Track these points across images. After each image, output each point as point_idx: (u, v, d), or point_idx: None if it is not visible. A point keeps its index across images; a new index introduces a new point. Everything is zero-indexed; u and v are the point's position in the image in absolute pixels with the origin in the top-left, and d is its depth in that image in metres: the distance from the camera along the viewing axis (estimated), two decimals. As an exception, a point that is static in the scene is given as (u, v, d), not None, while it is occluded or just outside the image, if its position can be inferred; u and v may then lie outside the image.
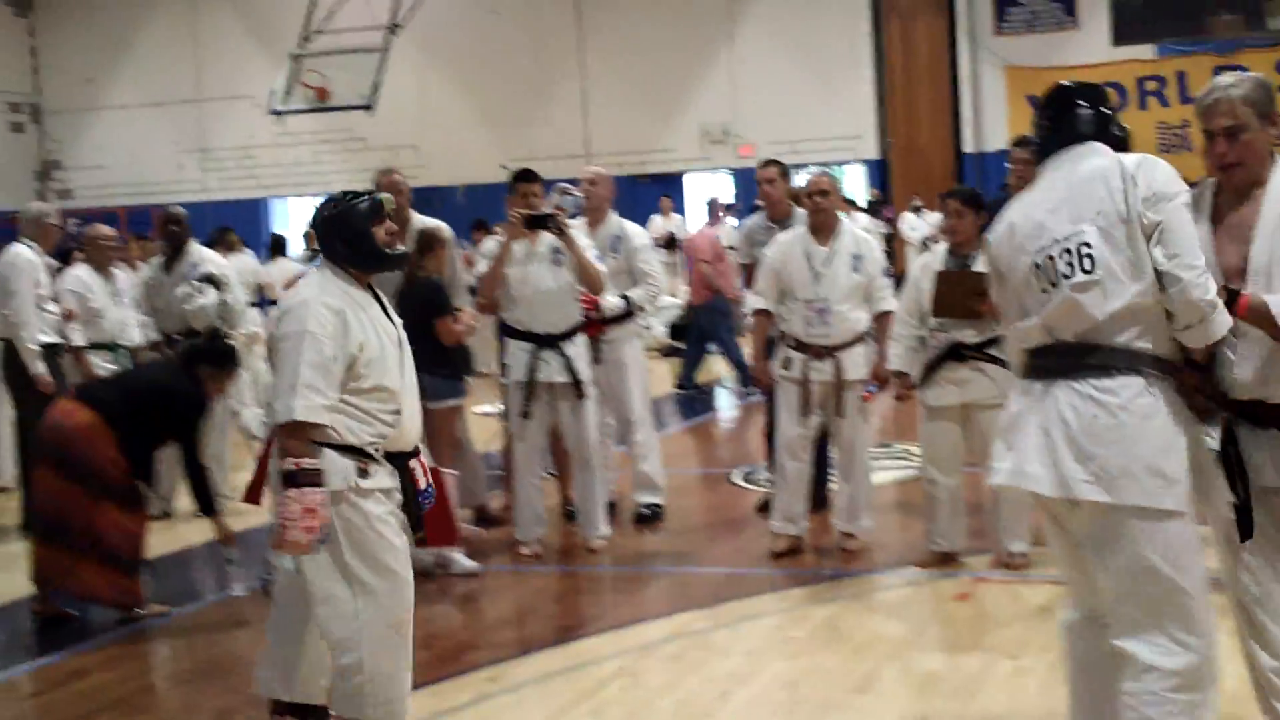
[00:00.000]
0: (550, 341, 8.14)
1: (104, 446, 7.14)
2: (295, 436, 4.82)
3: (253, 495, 5.62)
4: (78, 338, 9.72)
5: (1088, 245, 4.03)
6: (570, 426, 8.32)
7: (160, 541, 8.52)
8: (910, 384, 7.58)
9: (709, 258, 15.24)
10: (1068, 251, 4.06)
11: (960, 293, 7.30)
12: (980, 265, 7.40)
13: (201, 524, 9.55)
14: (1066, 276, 4.05)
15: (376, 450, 4.98)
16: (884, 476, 10.18)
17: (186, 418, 7.31)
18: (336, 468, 4.89)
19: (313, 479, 4.78)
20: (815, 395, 7.83)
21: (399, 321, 5.22)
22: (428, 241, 8.21)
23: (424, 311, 7.71)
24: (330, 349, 4.86)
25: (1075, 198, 4.11)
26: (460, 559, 7.91)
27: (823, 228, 7.83)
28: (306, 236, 15.86)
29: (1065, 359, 4.10)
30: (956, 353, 7.41)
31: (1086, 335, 4.06)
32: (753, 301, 8.19)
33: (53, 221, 9.91)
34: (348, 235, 5.09)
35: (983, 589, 7.21)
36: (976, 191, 7.97)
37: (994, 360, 7.29)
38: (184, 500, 10.04)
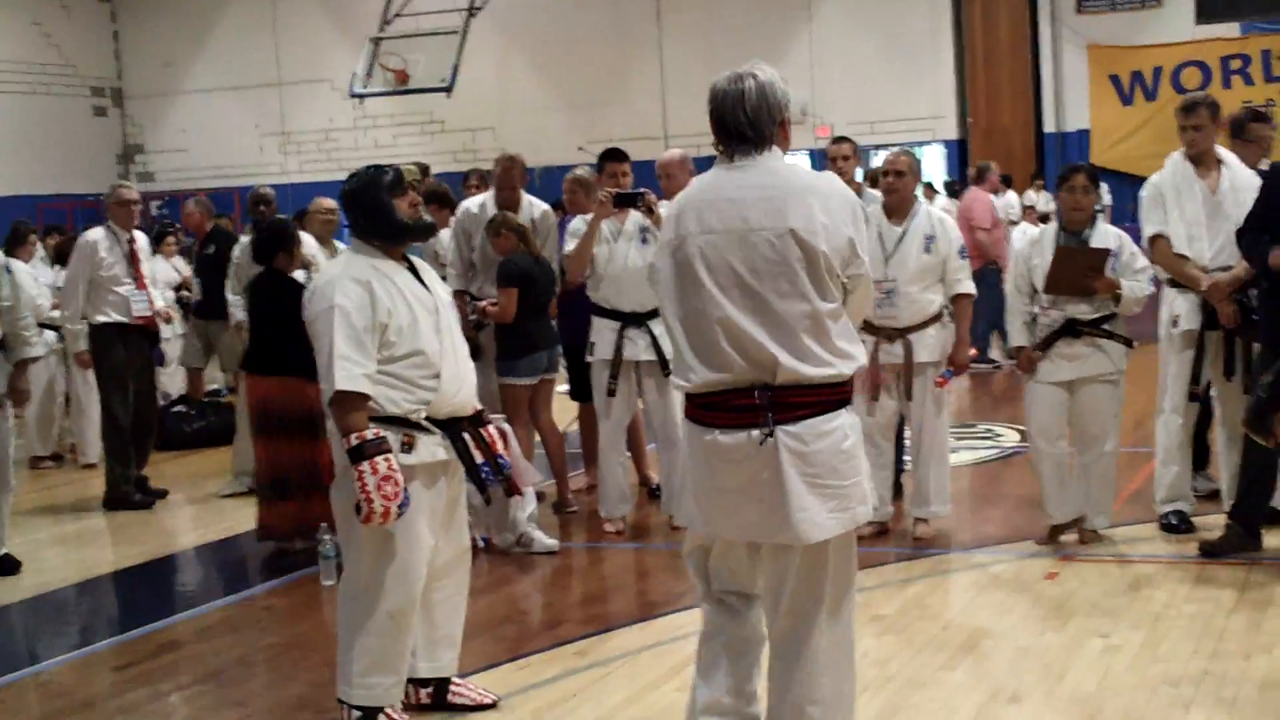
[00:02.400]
0: (637, 320, 8.13)
1: (301, 394, 7.64)
2: (347, 410, 4.85)
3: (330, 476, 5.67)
4: (239, 312, 9.97)
5: None
6: (656, 404, 8.31)
7: (248, 517, 8.62)
8: (1032, 355, 7.44)
9: (987, 224, 14.49)
10: None
11: (1076, 270, 7.25)
12: (1095, 242, 7.34)
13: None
14: None
15: (422, 418, 5.00)
16: (967, 456, 10.12)
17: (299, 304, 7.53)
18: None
19: (378, 447, 4.80)
20: (883, 378, 7.74)
21: (439, 288, 5.24)
22: (494, 225, 8.42)
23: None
24: (360, 320, 4.89)
25: None
26: (540, 537, 7.94)
27: (897, 208, 7.75)
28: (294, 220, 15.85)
29: None
30: (1071, 328, 7.34)
31: None
32: None
33: (128, 198, 10.02)
34: (371, 208, 5.12)
35: (1072, 567, 7.14)
36: (1095, 169, 7.83)
37: (1109, 335, 7.29)
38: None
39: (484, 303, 8.54)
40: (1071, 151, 23.95)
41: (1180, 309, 7.60)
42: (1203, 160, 7.64)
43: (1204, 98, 7.79)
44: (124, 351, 9.84)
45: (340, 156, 27.61)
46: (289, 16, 28.26)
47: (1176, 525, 7.68)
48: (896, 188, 7.73)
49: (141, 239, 10.14)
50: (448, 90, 22.93)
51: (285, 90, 28.50)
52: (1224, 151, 7.73)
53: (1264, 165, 7.72)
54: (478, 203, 9.09)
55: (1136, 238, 7.64)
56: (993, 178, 15.20)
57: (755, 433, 4.04)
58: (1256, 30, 23.45)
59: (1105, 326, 7.33)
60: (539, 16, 26.45)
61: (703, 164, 8.70)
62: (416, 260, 5.30)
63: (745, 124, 4.11)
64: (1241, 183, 7.49)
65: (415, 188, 5.25)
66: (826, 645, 4.19)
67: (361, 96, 23.76)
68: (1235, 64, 23.57)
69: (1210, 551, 7.13)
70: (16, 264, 9.30)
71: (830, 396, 4.09)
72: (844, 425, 4.12)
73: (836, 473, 4.09)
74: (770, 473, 4.05)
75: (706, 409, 4.14)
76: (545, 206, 9.03)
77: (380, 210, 5.12)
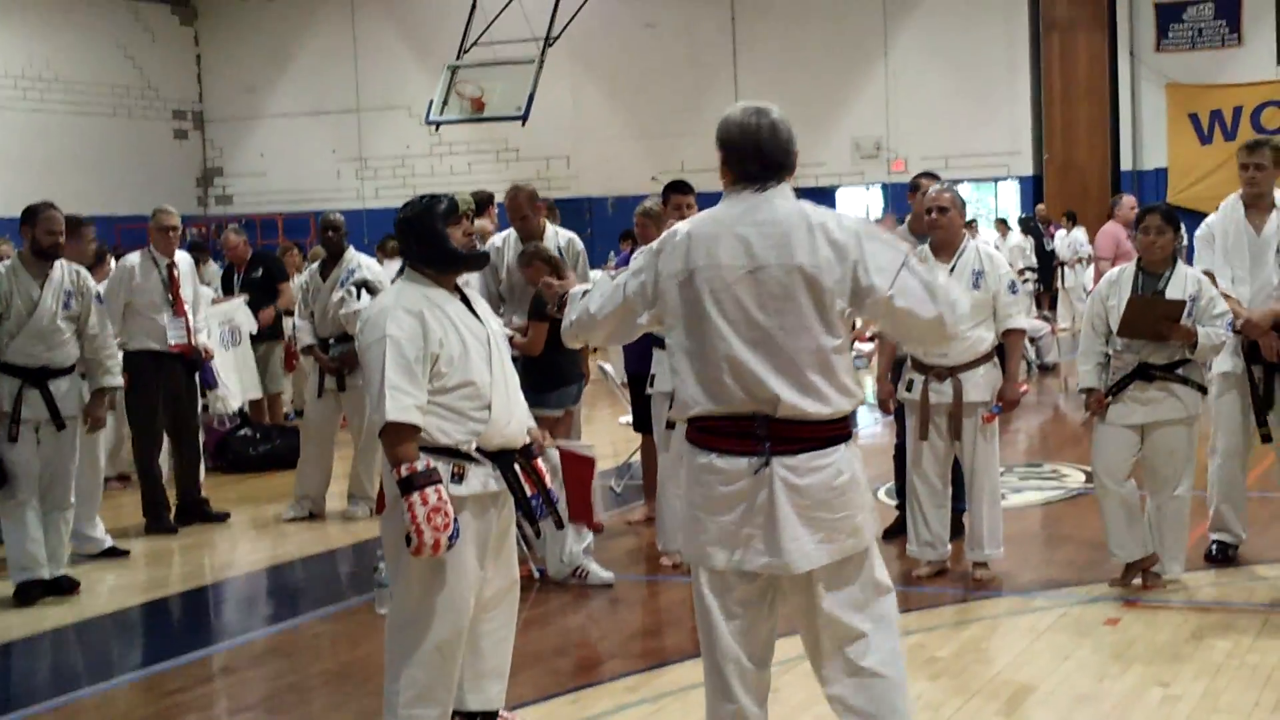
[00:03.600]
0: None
1: None
2: (397, 441, 4.84)
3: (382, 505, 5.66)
4: (306, 337, 10.12)
5: None
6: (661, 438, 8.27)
7: (308, 541, 8.66)
8: (1102, 399, 7.37)
9: (1108, 255, 14.21)
10: None
11: (1151, 317, 7.17)
12: (1174, 287, 7.23)
13: (346, 526, 9.78)
14: None
15: (472, 449, 4.99)
16: (1032, 497, 10.01)
17: None
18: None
19: (428, 479, 4.80)
20: (930, 417, 7.65)
21: (491, 320, 5.23)
22: (525, 255, 8.35)
23: None
24: (412, 351, 4.88)
25: None
26: (596, 570, 7.91)
27: (944, 245, 7.66)
28: (378, 248, 16.00)
29: None
30: (1144, 372, 7.26)
31: None
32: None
33: (168, 224, 9.88)
34: (425, 237, 5.11)
35: (1133, 613, 7.03)
36: (1173, 209, 7.74)
37: (1183, 381, 7.22)
38: (333, 501, 10.26)
39: (507, 330, 8.54)
40: (1148, 190, 23.71)
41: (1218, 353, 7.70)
42: (1258, 202, 7.72)
43: (1268, 140, 7.85)
44: (159, 379, 9.79)
45: (416, 182, 27.80)
46: (368, 43, 28.53)
47: (1216, 555, 7.83)
48: (942, 224, 7.65)
49: (184, 263, 10.04)
50: (523, 119, 23.02)
51: (363, 116, 28.76)
52: None
53: None
54: (501, 236, 9.00)
55: (1204, 277, 7.59)
56: (1123, 210, 14.95)
57: (751, 460, 4.06)
58: (1337, 71, 23.18)
59: (1179, 371, 7.23)
60: (614, 46, 26.56)
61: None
62: (469, 291, 5.30)
63: (763, 156, 4.13)
64: None
65: (470, 217, 5.25)
66: (894, 673, 4.17)
67: (438, 124, 23.90)
68: (1316, 104, 23.30)
69: None
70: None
71: (830, 432, 4.12)
72: (839, 461, 4.12)
73: (827, 506, 4.10)
74: (763, 501, 4.07)
75: (706, 432, 4.16)
76: (571, 235, 8.92)
77: (434, 239, 5.12)
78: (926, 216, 7.70)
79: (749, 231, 4.09)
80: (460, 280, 5.29)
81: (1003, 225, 22.75)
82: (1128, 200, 15.14)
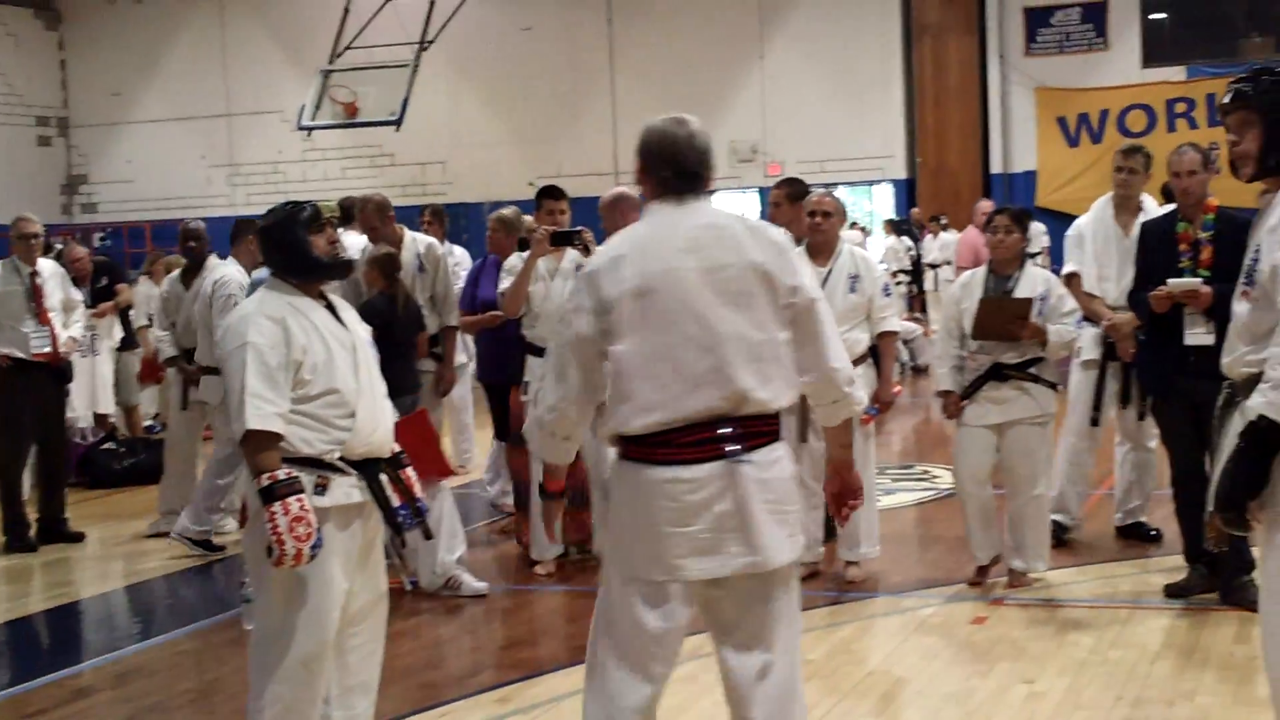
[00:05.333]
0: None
1: None
2: (258, 450, 4.75)
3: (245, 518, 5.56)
4: (168, 348, 9.96)
5: None
6: (589, 445, 8.24)
7: (172, 557, 8.50)
8: (958, 402, 7.47)
9: (967, 262, 14.48)
10: None
11: (1002, 318, 7.30)
12: (1023, 288, 7.35)
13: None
14: None
15: (336, 458, 4.91)
16: (904, 498, 10.10)
17: None
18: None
19: (290, 488, 4.72)
20: (810, 419, 7.69)
21: (357, 326, 5.15)
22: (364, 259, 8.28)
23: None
24: (274, 358, 4.80)
25: None
26: (469, 580, 7.84)
27: (822, 248, 7.72)
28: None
29: None
30: (998, 372, 7.36)
31: None
32: None
33: (28, 231, 9.71)
34: (286, 245, 5.04)
35: (1000, 612, 7.11)
36: (1026, 210, 7.88)
37: (1035, 379, 7.36)
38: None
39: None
40: (1018, 192, 24.06)
41: (1084, 340, 8.16)
42: (1127, 204, 8.13)
43: (1142, 146, 8.28)
44: (25, 389, 9.59)
45: (288, 188, 27.45)
46: (238, 47, 28.15)
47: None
48: (825, 228, 7.71)
49: (49, 271, 9.84)
50: (397, 124, 22.82)
51: (234, 121, 28.36)
52: (1148, 200, 8.22)
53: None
54: (359, 246, 8.87)
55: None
56: (979, 217, 15.16)
57: (720, 462, 4.05)
58: (1202, 75, 23.64)
59: (1032, 370, 7.37)
60: (491, 51, 26.44)
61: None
62: (334, 298, 5.22)
63: (696, 163, 4.21)
64: None
65: (332, 225, 5.17)
66: (790, 673, 4.21)
67: (310, 129, 23.63)
68: (1180, 107, 23.75)
69: (1176, 593, 7.15)
70: None
71: (776, 427, 4.17)
72: (785, 454, 4.20)
73: (789, 498, 4.17)
74: (732, 503, 4.06)
75: (662, 446, 4.08)
76: (430, 240, 8.78)
77: (296, 247, 5.04)
78: (809, 219, 7.74)
79: (697, 234, 4.13)
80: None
81: (858, 228, 22.94)
82: (983, 205, 15.46)
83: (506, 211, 9.13)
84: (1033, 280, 7.43)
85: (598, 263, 4.23)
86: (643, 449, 4.10)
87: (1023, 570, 7.51)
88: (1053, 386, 7.45)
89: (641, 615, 4.17)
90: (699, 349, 4.06)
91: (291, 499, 4.70)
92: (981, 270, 7.60)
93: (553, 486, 4.65)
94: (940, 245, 21.82)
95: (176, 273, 10.12)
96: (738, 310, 4.09)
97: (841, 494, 4.45)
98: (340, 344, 5.00)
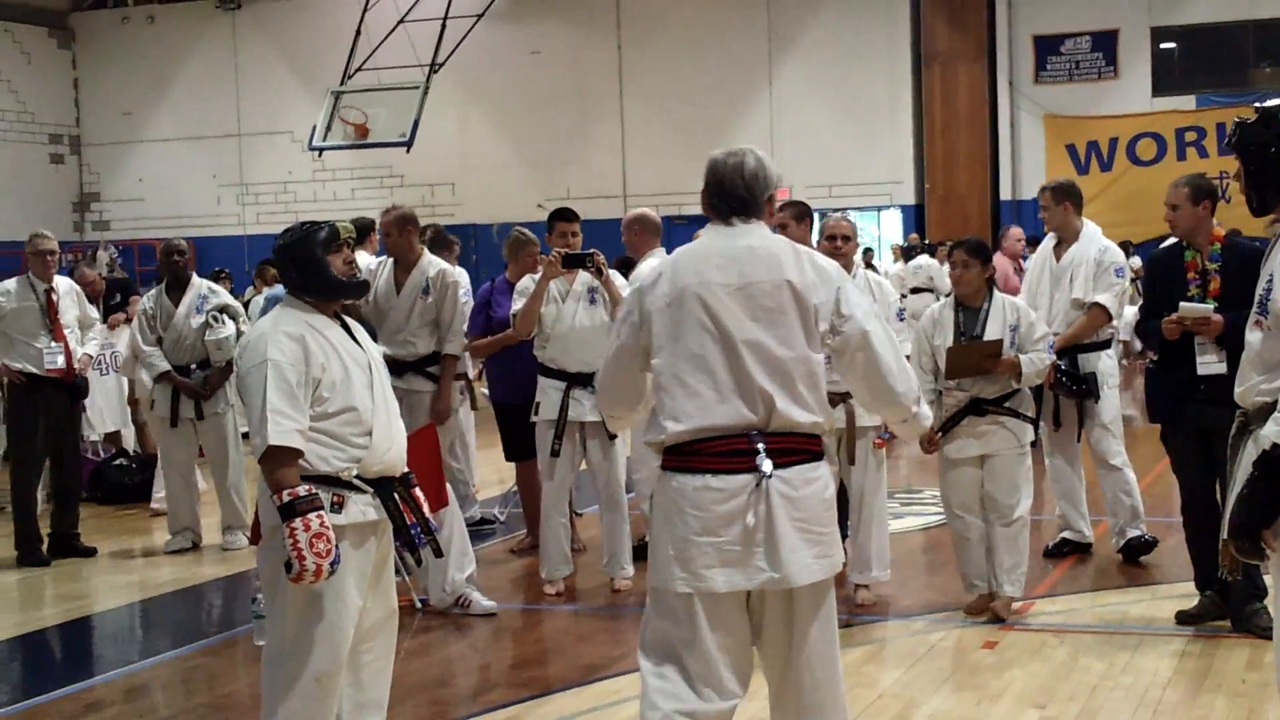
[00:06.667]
0: (583, 380, 8.07)
1: None
2: (278, 466, 4.77)
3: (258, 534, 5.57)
4: (161, 362, 9.84)
5: None
6: (600, 466, 8.27)
7: (185, 572, 8.51)
8: (934, 438, 7.48)
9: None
10: None
11: (974, 359, 7.34)
12: (993, 319, 7.34)
13: (224, 557, 9.63)
14: None
15: (353, 476, 4.93)
16: (913, 522, 10.10)
17: None
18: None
19: (310, 504, 4.73)
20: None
21: (371, 346, 5.19)
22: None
23: None
24: (294, 375, 4.83)
25: None
26: (479, 599, 7.85)
27: None
28: (253, 275, 16.17)
29: None
30: (977, 407, 7.38)
31: None
32: None
33: (44, 248, 9.76)
34: (303, 265, 5.06)
35: (1011, 636, 7.11)
36: (984, 242, 7.91)
37: (1013, 413, 7.37)
38: (210, 533, 10.09)
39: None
40: (1027, 219, 24.04)
41: None
42: (1064, 236, 8.65)
43: (1053, 185, 8.82)
44: (38, 405, 9.63)
45: (298, 208, 27.55)
46: (250, 67, 28.26)
47: (1052, 551, 8.72)
48: (844, 251, 7.71)
49: (64, 288, 9.89)
50: (407, 145, 22.91)
51: (245, 141, 28.46)
52: (1088, 226, 8.61)
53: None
54: (377, 262, 8.74)
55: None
56: (1009, 243, 15.06)
57: (749, 475, 4.13)
58: (1211, 103, 23.71)
59: (1009, 404, 7.38)
60: (500, 74, 26.52)
61: (665, 224, 8.81)
62: (348, 318, 5.25)
63: (743, 189, 4.34)
64: (1081, 256, 8.48)
65: (350, 245, 5.20)
66: (827, 690, 4.30)
67: (320, 149, 23.71)
68: (1190, 136, 23.83)
69: (1188, 620, 7.14)
70: None
71: (815, 446, 4.26)
72: (825, 475, 4.28)
73: (821, 520, 4.22)
74: (761, 518, 4.14)
75: (695, 455, 4.20)
76: (445, 267, 8.66)
77: (313, 267, 5.07)
78: (828, 243, 7.75)
79: (738, 253, 4.28)
80: None
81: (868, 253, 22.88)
82: (1014, 232, 15.40)
83: (517, 232, 9.18)
84: (1002, 310, 7.43)
85: (645, 278, 4.43)
86: (678, 458, 4.24)
87: (1005, 595, 7.47)
88: (1032, 421, 7.49)
89: (697, 626, 4.22)
90: (725, 360, 4.18)
91: (311, 515, 4.71)
92: (949, 303, 7.58)
93: None
94: (942, 273, 21.82)
95: (160, 288, 10.12)
96: (764, 326, 4.19)
97: None
98: (356, 362, 5.02)
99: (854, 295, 4.31)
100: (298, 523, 4.69)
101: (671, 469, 4.26)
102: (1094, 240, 8.58)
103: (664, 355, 4.27)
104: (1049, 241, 8.72)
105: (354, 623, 5.00)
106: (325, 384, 4.89)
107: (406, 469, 5.17)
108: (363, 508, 4.97)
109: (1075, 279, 8.44)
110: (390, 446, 5.06)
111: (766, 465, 4.13)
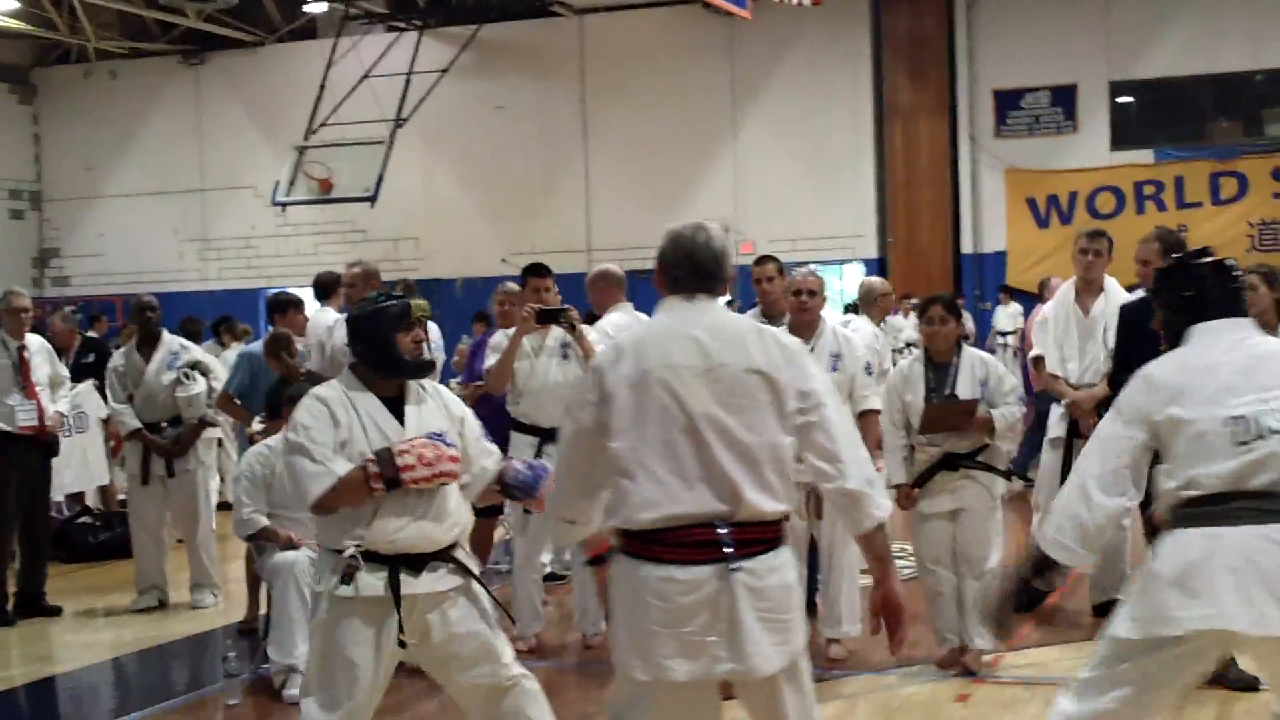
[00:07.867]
0: (555, 435, 8.06)
1: None
2: (337, 501, 4.93)
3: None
4: (131, 420, 9.83)
5: None
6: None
7: (152, 631, 8.44)
8: (910, 493, 7.50)
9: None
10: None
11: (949, 418, 7.39)
12: (963, 374, 7.39)
13: (191, 615, 9.55)
14: (1275, 431, 4.26)
15: (358, 550, 4.90)
16: (883, 576, 10.08)
17: None
18: (327, 565, 4.87)
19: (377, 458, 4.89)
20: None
21: (423, 427, 5.09)
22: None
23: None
24: (320, 435, 4.89)
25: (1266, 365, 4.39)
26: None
27: (806, 326, 7.76)
28: (213, 328, 16.13)
29: (1252, 505, 4.25)
30: (949, 462, 7.41)
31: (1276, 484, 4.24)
32: None
33: (18, 305, 9.71)
34: (371, 339, 5.04)
35: (984, 689, 7.11)
36: (955, 300, 7.99)
37: (985, 467, 7.43)
38: (178, 590, 10.01)
39: (250, 430, 8.59)
40: (989, 272, 24.29)
41: (1051, 419, 8.61)
42: (1089, 287, 8.50)
43: (1105, 231, 8.67)
44: (10, 462, 9.56)
45: (261, 264, 27.48)
46: (214, 122, 28.22)
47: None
48: (810, 307, 7.76)
49: (35, 345, 9.84)
50: (371, 200, 22.92)
51: (208, 196, 28.37)
52: (1111, 282, 8.53)
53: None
54: (334, 317, 8.84)
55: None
56: (1051, 292, 15.06)
57: (713, 566, 4.04)
58: (1170, 158, 23.95)
59: (981, 459, 7.44)
60: (465, 128, 26.57)
61: (629, 279, 8.87)
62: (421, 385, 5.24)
63: (712, 266, 4.30)
64: (1113, 307, 8.18)
65: (421, 324, 5.18)
66: None
67: (284, 204, 23.69)
68: (1149, 190, 24.03)
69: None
70: None
71: (777, 533, 4.18)
72: (787, 561, 4.20)
73: (784, 607, 4.14)
74: (724, 608, 4.05)
75: (658, 544, 4.09)
76: None
77: (381, 343, 5.05)
78: (795, 298, 7.78)
79: (700, 334, 4.19)
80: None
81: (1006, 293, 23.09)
82: (1057, 282, 15.34)
83: (511, 285, 9.23)
84: (970, 366, 7.49)
85: (605, 356, 4.33)
86: (639, 545, 4.12)
87: (977, 648, 7.48)
88: (1006, 475, 7.54)
89: (657, 713, 4.19)
90: (691, 447, 4.08)
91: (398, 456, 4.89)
92: (919, 359, 7.62)
93: (591, 553, 4.61)
94: (913, 325, 21.94)
95: (131, 344, 10.09)
96: (731, 412, 4.11)
97: (886, 611, 4.35)
98: (386, 440, 4.99)
99: (813, 369, 4.31)
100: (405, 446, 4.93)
101: (634, 555, 4.14)
102: (1119, 290, 8.51)
103: (626, 439, 4.14)
104: (1068, 293, 8.61)
105: (364, 689, 4.96)
106: (346, 455, 4.93)
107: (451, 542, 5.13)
108: (373, 583, 4.92)
109: (1110, 329, 8.24)
110: (399, 528, 4.96)
111: (731, 557, 4.03)
